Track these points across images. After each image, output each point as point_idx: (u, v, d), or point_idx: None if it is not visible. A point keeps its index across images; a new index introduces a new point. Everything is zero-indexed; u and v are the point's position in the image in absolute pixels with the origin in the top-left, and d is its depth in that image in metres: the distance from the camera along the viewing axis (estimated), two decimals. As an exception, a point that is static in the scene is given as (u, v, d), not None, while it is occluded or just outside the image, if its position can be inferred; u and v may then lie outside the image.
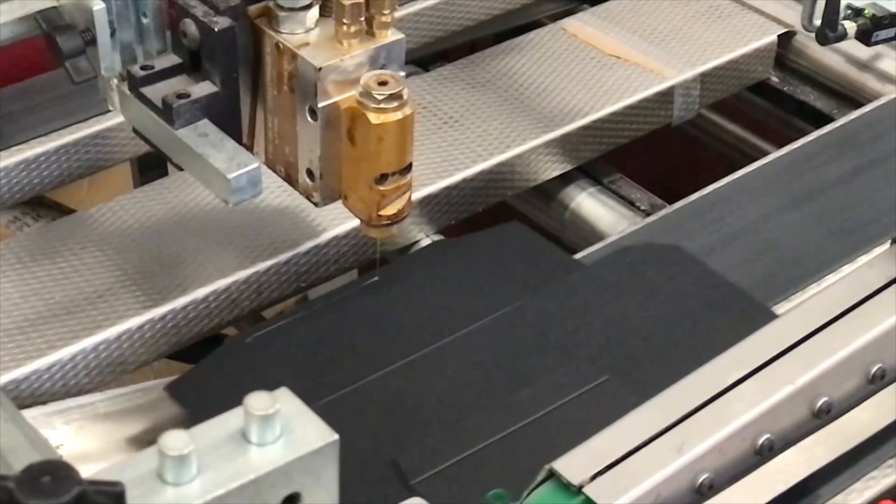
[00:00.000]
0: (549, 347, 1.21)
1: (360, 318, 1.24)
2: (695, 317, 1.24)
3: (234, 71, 1.10)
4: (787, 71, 1.67)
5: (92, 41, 1.10)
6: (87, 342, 1.23)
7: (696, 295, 1.27)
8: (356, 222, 1.16)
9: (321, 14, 1.10)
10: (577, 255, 1.34)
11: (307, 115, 1.09)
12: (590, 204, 1.51)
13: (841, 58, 1.64)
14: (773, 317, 1.21)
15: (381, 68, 1.09)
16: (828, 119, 1.60)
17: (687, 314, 1.25)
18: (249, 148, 1.16)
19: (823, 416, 0.98)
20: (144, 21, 1.11)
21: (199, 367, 1.21)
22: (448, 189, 1.42)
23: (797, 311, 1.05)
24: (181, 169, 1.12)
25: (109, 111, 1.20)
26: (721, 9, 1.68)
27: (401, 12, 1.57)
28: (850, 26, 1.50)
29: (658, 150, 1.78)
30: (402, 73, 1.09)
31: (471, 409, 1.15)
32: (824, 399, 0.98)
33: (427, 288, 1.28)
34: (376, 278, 1.28)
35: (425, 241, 1.42)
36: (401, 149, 1.08)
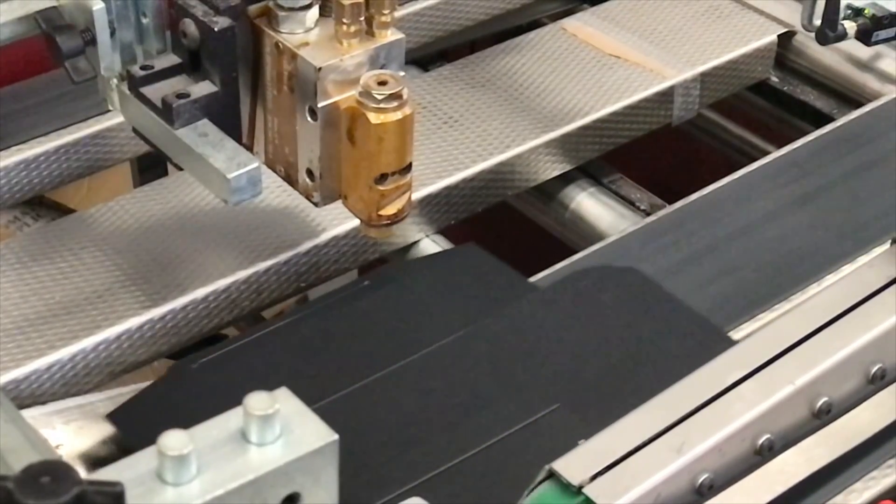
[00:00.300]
0: (500, 374, 1.18)
1: (309, 345, 1.22)
2: (649, 342, 1.21)
3: (233, 71, 1.10)
4: (787, 71, 1.67)
5: (92, 41, 1.10)
6: (87, 342, 1.23)
7: (652, 319, 1.24)
8: (356, 222, 1.16)
9: (321, 14, 1.10)
10: (534, 278, 1.31)
11: (307, 114, 1.09)
12: (590, 204, 1.51)
13: (841, 58, 1.63)
14: (730, 342, 1.18)
15: (381, 68, 1.09)
16: (828, 119, 1.60)
17: (641, 339, 1.22)
18: (249, 148, 1.16)
19: (823, 416, 0.98)
20: (144, 21, 1.11)
21: (143, 393, 1.18)
22: (448, 189, 1.42)
23: (797, 311, 1.05)
24: (181, 169, 1.12)
25: (109, 111, 1.20)
26: (721, 9, 1.68)
27: (401, 12, 1.57)
28: (850, 26, 1.50)
29: (658, 150, 1.78)
30: (402, 73, 1.09)
31: (418, 439, 1.12)
32: (824, 399, 0.97)
33: (378, 313, 1.25)
34: (324, 304, 1.26)
35: (425, 241, 1.42)
36: (400, 149, 1.08)
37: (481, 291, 1.27)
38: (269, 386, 0.70)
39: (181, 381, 1.19)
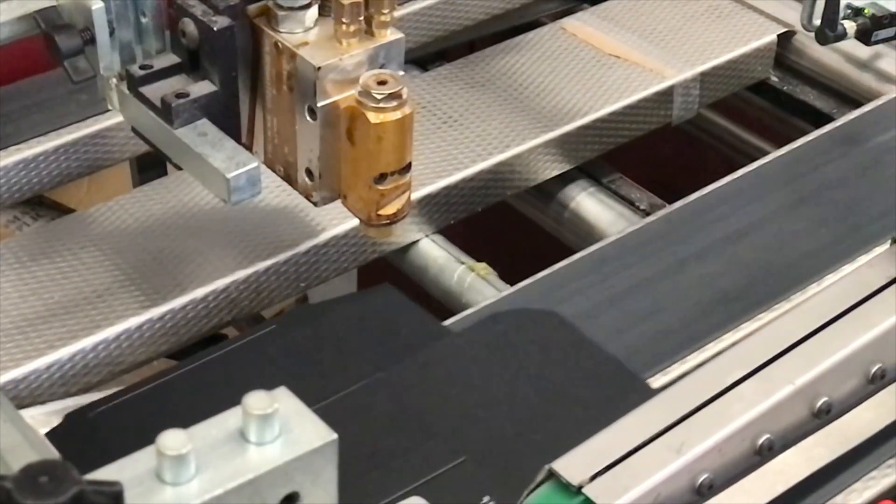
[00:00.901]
0: (406, 425, 1.13)
1: (210, 391, 1.15)
2: (564, 390, 1.17)
3: (233, 70, 1.10)
4: (787, 71, 1.67)
5: (91, 40, 1.09)
6: (86, 342, 1.23)
7: (568, 366, 1.19)
8: (355, 222, 1.16)
9: (320, 13, 1.10)
10: (448, 322, 1.26)
11: (306, 114, 1.09)
12: (589, 204, 1.51)
13: (841, 57, 1.63)
14: (648, 391, 1.16)
15: (381, 68, 1.09)
16: (828, 119, 1.60)
17: (556, 387, 1.17)
18: (248, 147, 1.16)
19: (823, 416, 0.98)
20: (143, 20, 1.11)
21: None
22: (447, 189, 1.42)
23: (797, 311, 1.05)
24: (180, 168, 1.12)
25: (108, 111, 1.19)
26: (721, 8, 1.68)
27: (400, 12, 1.57)
28: (850, 26, 1.49)
29: (658, 150, 1.78)
30: (401, 73, 1.09)
31: None
32: (824, 399, 0.97)
33: (284, 358, 1.20)
34: (230, 348, 1.21)
35: (424, 241, 1.42)
36: (400, 148, 1.08)
37: (392, 336, 1.22)
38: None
39: (76, 430, 1.14)
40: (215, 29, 1.07)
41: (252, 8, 1.10)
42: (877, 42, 1.51)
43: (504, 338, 1.22)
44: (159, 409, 1.15)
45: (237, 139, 1.11)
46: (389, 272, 1.46)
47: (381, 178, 1.09)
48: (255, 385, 1.09)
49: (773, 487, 1.05)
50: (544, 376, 1.18)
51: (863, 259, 1.30)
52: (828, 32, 1.49)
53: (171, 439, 0.70)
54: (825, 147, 1.48)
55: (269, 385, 1.11)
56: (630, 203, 1.51)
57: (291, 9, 1.08)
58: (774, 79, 1.67)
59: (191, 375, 1.19)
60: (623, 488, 0.89)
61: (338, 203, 1.15)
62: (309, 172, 1.13)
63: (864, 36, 1.50)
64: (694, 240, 1.36)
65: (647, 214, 1.46)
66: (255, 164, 1.07)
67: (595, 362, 1.20)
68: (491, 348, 1.21)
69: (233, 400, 1.04)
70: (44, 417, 1.18)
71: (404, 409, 1.15)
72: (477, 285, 1.39)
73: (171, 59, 1.11)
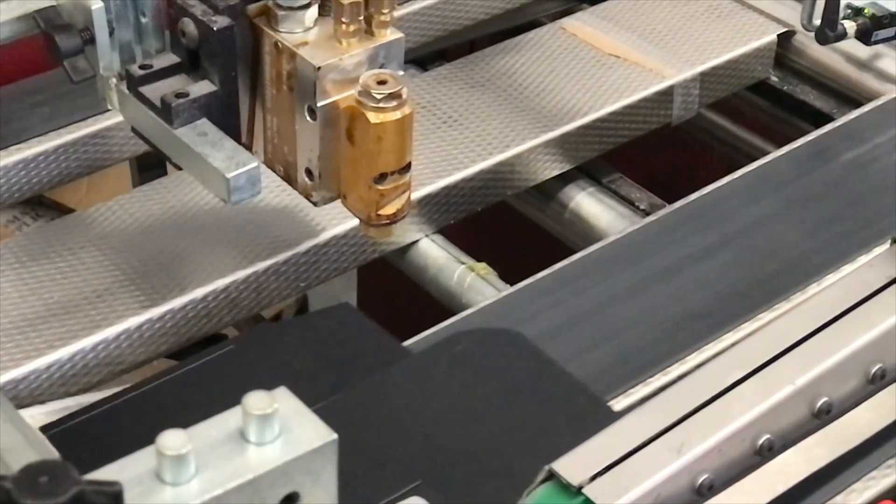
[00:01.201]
0: (362, 448, 1.10)
1: (166, 414, 1.13)
2: (525, 412, 1.14)
3: (232, 70, 1.10)
4: (787, 70, 1.67)
5: (90, 40, 1.09)
6: (86, 342, 1.23)
7: (529, 387, 1.17)
8: (355, 222, 1.16)
9: (320, 13, 1.10)
10: (408, 342, 1.23)
11: (306, 114, 1.09)
12: (589, 204, 1.51)
13: (841, 57, 1.63)
14: (611, 413, 1.14)
15: (381, 67, 1.09)
16: (827, 119, 1.60)
17: (516, 409, 1.15)
18: (248, 147, 1.16)
19: (823, 416, 0.98)
20: (143, 20, 1.11)
21: None
22: (447, 189, 1.42)
23: (797, 311, 1.05)
24: (180, 168, 1.12)
25: (108, 110, 1.19)
26: (721, 8, 1.68)
27: (400, 11, 1.57)
28: (850, 26, 1.49)
29: (658, 150, 1.78)
30: (401, 73, 1.09)
31: None
32: (824, 399, 0.97)
33: (240, 380, 1.16)
34: (181, 371, 1.18)
35: (424, 241, 1.42)
36: (400, 148, 1.08)
37: (350, 357, 1.20)
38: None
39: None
40: (215, 29, 1.07)
41: (252, 8, 1.10)
42: (877, 42, 1.51)
43: (463, 359, 1.20)
44: (115, 430, 1.13)
45: (237, 139, 1.11)
46: (389, 272, 1.47)
47: (381, 177, 1.09)
48: (208, 407, 1.06)
49: (773, 487, 1.05)
50: (504, 398, 1.16)
51: (863, 259, 1.30)
52: (828, 32, 1.49)
53: (171, 439, 0.70)
54: (825, 147, 1.49)
55: (223, 408, 1.12)
56: (630, 203, 1.51)
57: (291, 8, 1.08)
58: (774, 79, 1.67)
59: (143, 398, 1.16)
60: (623, 488, 0.89)
61: (338, 203, 1.15)
62: (309, 172, 1.13)
63: (864, 36, 1.50)
64: (694, 240, 1.36)
65: (647, 214, 1.46)
66: (254, 164, 1.07)
67: (556, 384, 1.17)
68: (450, 370, 1.19)
69: (187, 423, 1.03)
70: (44, 417, 1.18)
71: (360, 432, 1.12)
72: (477, 285, 1.39)
73: (171, 58, 1.11)
